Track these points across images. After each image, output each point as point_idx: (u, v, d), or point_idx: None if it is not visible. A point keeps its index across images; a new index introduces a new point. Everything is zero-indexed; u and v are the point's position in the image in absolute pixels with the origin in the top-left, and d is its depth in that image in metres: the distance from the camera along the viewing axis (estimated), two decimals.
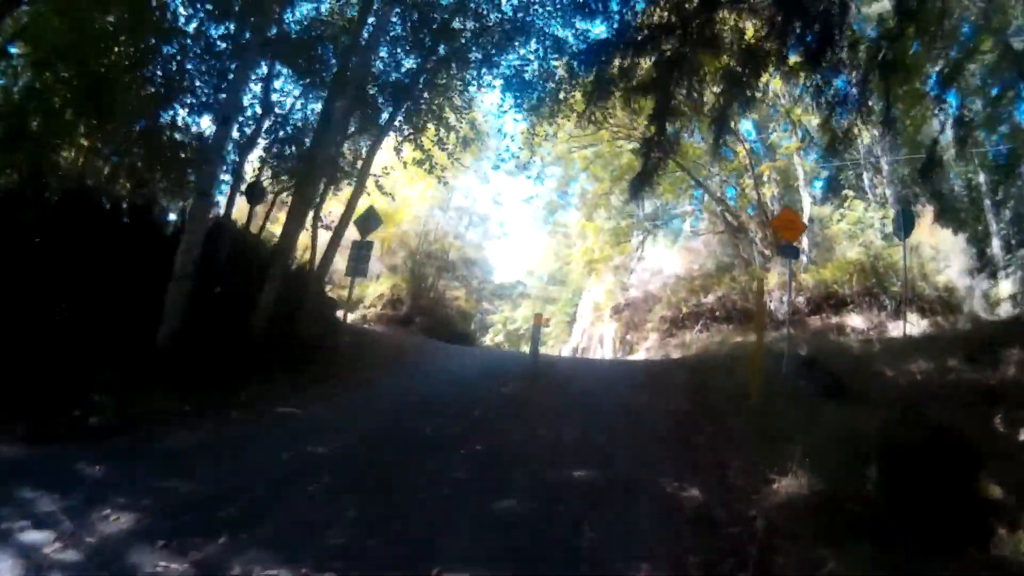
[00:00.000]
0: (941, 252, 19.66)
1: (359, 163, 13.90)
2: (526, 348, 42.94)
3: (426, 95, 14.21)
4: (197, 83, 11.28)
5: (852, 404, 7.23)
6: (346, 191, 14.46)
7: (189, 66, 11.02)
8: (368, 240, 12.93)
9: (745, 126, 21.89)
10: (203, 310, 8.84)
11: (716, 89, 10.33)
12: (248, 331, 9.32)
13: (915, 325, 13.86)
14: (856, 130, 9.87)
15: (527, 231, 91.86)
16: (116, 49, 10.16)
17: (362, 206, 13.41)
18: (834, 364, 9.48)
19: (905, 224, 12.36)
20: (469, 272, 33.36)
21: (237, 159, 12.38)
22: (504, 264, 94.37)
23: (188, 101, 11.33)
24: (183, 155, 11.32)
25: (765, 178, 20.99)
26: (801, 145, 22.12)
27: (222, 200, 12.21)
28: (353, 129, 13.39)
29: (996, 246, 22.14)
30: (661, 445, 6.48)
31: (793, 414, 6.83)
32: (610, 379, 11.05)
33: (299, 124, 12.73)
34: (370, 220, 13.00)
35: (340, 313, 22.77)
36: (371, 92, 12.69)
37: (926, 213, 21.61)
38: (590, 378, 11.14)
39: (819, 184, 25.65)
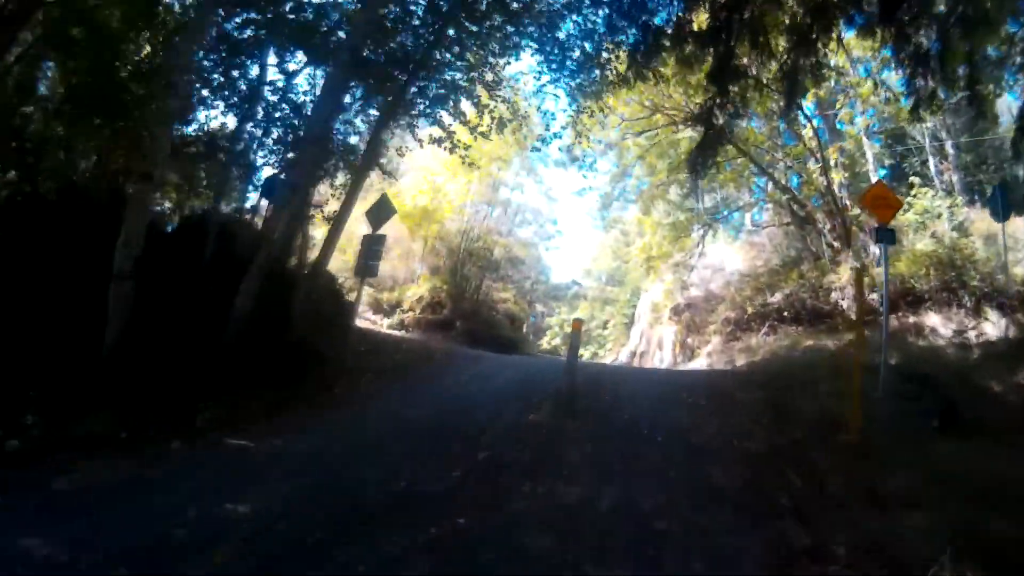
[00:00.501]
0: (1020, 242, 18.32)
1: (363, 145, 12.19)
2: (584, 354, 41.77)
3: (446, 65, 12.50)
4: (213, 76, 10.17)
5: (974, 438, 6.03)
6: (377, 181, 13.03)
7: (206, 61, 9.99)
8: (380, 234, 11.18)
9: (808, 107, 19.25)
10: (163, 313, 7.31)
11: (782, 46, 9.01)
12: (220, 339, 7.71)
13: (996, 324, 12.48)
14: (939, 95, 9.11)
15: (583, 228, 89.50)
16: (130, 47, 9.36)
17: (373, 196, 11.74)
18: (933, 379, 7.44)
19: (1003, 203, 10.04)
20: (518, 272, 31.44)
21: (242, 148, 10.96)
22: (560, 264, 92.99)
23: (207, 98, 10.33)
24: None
25: (832, 163, 18.38)
26: (871, 122, 19.49)
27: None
28: (353, 104, 11.80)
29: None
30: (734, 515, 4.46)
31: (905, 456, 5.51)
32: (666, 398, 9.01)
33: (297, 102, 11.02)
34: (382, 210, 11.26)
35: (377, 318, 21.71)
36: (372, 58, 10.91)
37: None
38: (642, 396, 9.04)
39: (883, 172, 23.54)
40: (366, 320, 22.15)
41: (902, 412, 6.49)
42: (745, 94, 9.43)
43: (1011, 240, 18.52)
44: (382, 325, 21.43)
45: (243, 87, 10.71)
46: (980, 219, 20.98)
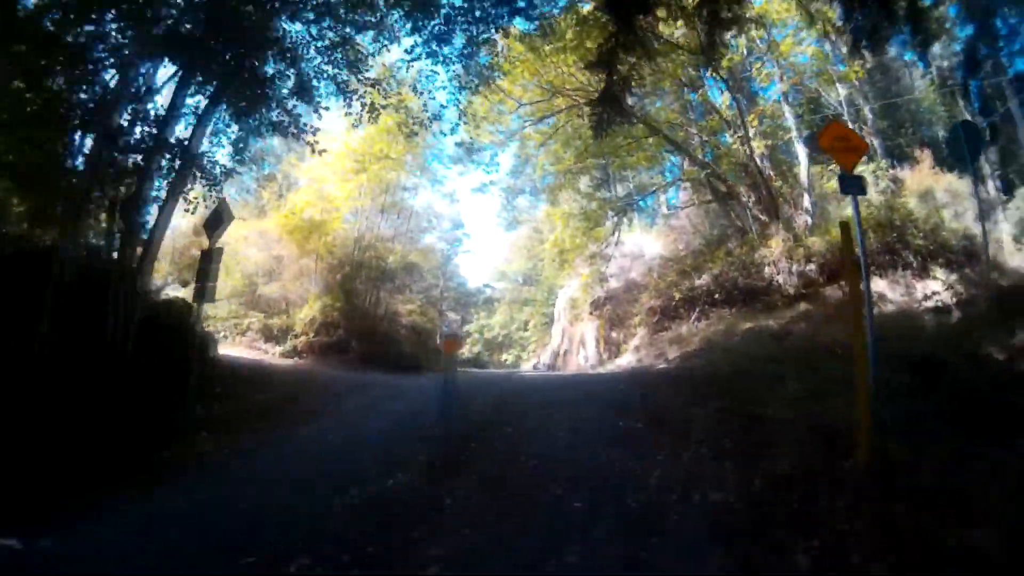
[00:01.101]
0: (957, 196, 18.61)
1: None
2: (507, 358, 39.99)
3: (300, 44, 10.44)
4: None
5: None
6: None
7: None
8: (217, 247, 8.86)
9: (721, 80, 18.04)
10: None
11: None
12: None
13: (945, 282, 11.80)
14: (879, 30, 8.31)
15: (493, 230, 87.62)
16: None
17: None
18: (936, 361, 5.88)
19: (970, 145, 8.79)
20: (417, 281, 29.07)
21: None
22: (474, 269, 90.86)
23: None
24: None
25: (752, 132, 17.23)
26: (790, 84, 18.49)
27: None
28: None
29: (991, 188, 21.15)
30: None
31: (956, 488, 3.54)
32: (590, 423, 6.88)
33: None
34: (221, 218, 8.95)
35: (269, 346, 19.05)
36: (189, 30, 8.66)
37: (924, 158, 22.35)
38: (558, 424, 6.89)
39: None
40: (257, 350, 19.51)
41: (912, 414, 4.70)
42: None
43: (948, 195, 18.13)
44: (273, 354, 18.88)
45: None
46: (909, 178, 20.68)
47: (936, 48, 22.38)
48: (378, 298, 21.35)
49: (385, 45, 12.39)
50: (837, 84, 21.35)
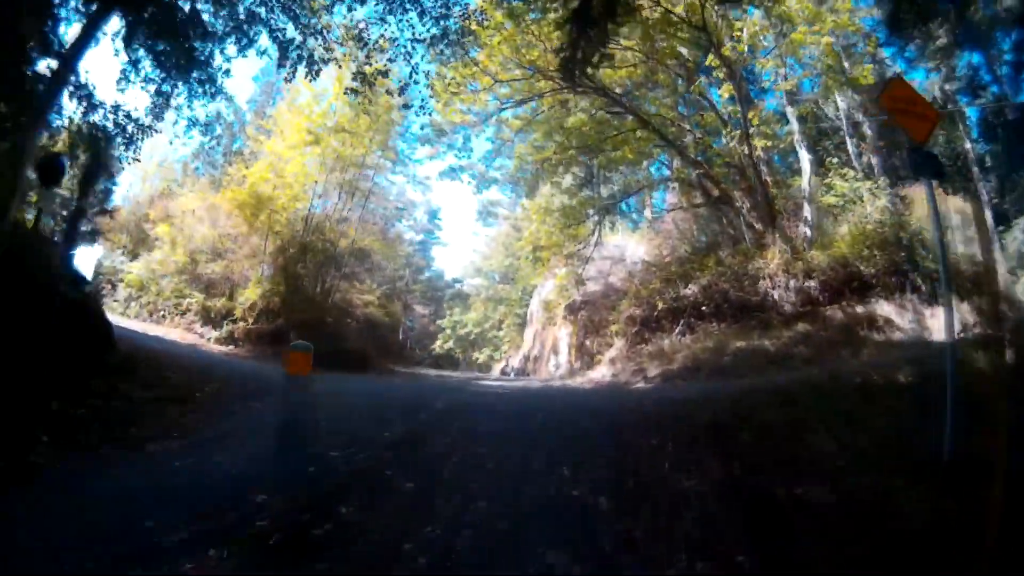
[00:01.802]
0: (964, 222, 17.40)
1: None
2: (479, 356, 38.15)
3: None
4: None
5: None
6: None
7: None
8: None
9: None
10: None
11: None
12: None
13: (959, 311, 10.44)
14: None
15: (470, 224, 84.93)
16: None
17: None
18: None
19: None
20: (373, 270, 26.77)
21: None
22: (450, 262, 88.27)
23: None
24: None
25: (752, 130, 15.53)
26: (796, 81, 16.84)
27: None
28: None
29: (989, 216, 19.85)
30: None
31: None
32: (527, 476, 4.77)
33: None
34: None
35: (207, 330, 17.02)
36: None
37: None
38: (470, 480, 4.65)
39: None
40: (193, 333, 17.46)
41: None
42: None
43: (958, 217, 16.67)
44: (209, 339, 16.83)
45: None
46: (918, 198, 19.25)
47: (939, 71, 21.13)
48: (326, 286, 19.35)
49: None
50: (837, 97, 19.77)
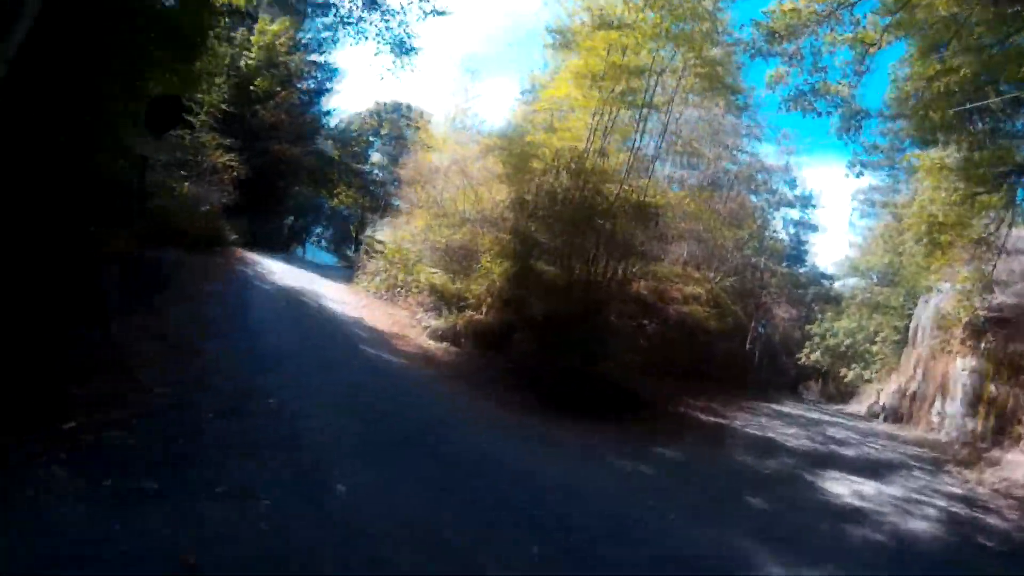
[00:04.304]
0: None
1: None
2: (848, 375, 29.91)
3: None
4: None
5: None
6: None
7: None
8: None
9: None
10: None
11: None
12: None
13: None
14: None
15: (847, 213, 65.10)
16: None
17: None
18: None
19: None
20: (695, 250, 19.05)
21: None
22: (819, 255, 71.14)
23: None
24: None
25: None
26: None
27: None
28: None
29: None
30: None
31: None
32: None
33: None
34: None
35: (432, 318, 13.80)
36: None
37: None
38: None
39: None
40: (414, 322, 13.62)
41: None
42: None
43: None
44: (425, 330, 12.93)
45: None
46: None
47: None
48: (607, 266, 13.01)
49: None
50: None
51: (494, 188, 14.00)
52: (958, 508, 8.07)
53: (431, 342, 12.30)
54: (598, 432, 9.06)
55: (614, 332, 12.40)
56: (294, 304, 12.67)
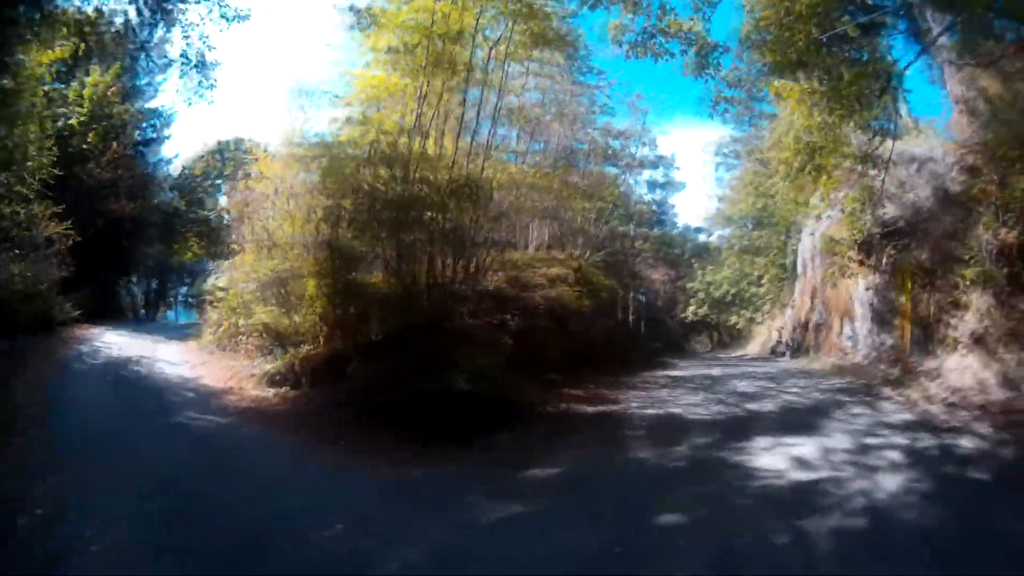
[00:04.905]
0: None
1: None
2: (737, 321, 30.37)
3: None
4: None
5: None
6: None
7: None
8: None
9: None
10: None
11: None
12: None
13: None
14: None
15: (707, 167, 66.63)
16: None
17: None
18: None
19: None
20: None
21: None
22: (686, 212, 73.12)
23: None
24: None
25: None
26: None
27: None
28: None
29: None
30: None
31: None
32: None
33: None
34: None
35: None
36: None
37: None
38: None
39: None
40: (248, 373, 11.70)
41: None
42: None
43: None
44: (252, 378, 11.22)
45: None
46: None
47: None
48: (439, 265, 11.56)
49: None
50: None
51: (315, 203, 12.35)
52: (924, 439, 6.99)
53: (269, 389, 10.50)
54: (458, 461, 7.27)
55: (468, 337, 10.89)
56: (122, 378, 11.69)
